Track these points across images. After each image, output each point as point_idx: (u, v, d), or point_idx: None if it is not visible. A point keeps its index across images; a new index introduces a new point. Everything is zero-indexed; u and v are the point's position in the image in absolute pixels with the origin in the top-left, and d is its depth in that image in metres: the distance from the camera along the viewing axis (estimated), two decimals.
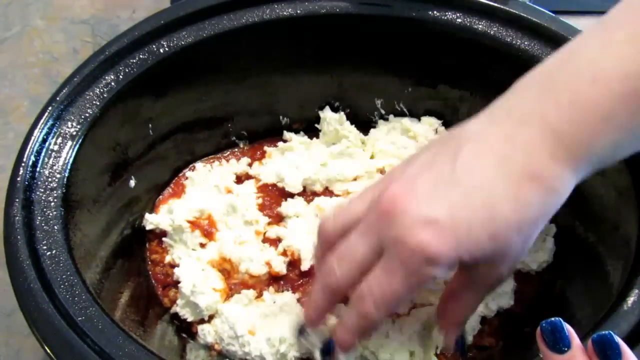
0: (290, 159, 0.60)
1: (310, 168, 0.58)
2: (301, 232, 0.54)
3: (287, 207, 0.57)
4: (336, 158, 0.60)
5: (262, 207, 0.58)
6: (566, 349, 0.33)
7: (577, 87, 0.35)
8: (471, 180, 0.36)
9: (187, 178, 0.60)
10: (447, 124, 0.62)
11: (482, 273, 0.39)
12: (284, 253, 0.54)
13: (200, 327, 0.51)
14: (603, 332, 0.33)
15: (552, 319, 0.34)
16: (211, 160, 0.62)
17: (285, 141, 0.63)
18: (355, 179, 0.59)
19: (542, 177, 0.35)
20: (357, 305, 0.38)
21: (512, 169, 0.35)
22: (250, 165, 0.62)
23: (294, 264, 0.54)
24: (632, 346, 0.39)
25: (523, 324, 0.52)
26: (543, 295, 0.53)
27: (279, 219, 0.57)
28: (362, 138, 0.62)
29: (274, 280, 0.53)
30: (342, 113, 0.62)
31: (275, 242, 0.55)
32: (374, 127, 0.63)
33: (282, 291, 0.53)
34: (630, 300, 0.41)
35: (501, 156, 0.36)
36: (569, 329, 0.33)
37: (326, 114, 0.62)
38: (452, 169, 0.36)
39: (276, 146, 0.62)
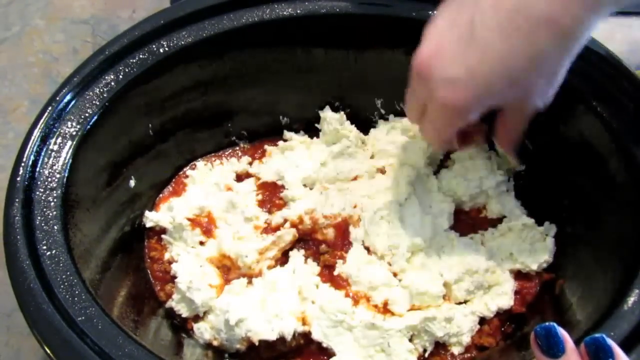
0: (291, 158, 0.60)
1: (310, 167, 0.59)
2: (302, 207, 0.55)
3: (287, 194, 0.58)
4: (336, 157, 0.60)
5: (262, 204, 0.58)
6: (560, 353, 0.33)
7: None
8: (488, 37, 0.38)
9: (187, 176, 0.60)
10: None
11: (515, 107, 0.44)
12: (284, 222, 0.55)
13: (196, 326, 0.52)
14: (596, 335, 0.33)
15: (546, 323, 0.34)
16: (212, 159, 0.63)
17: (285, 140, 0.63)
18: (355, 179, 0.59)
19: (558, 22, 0.36)
20: (425, 130, 0.48)
21: (529, 17, 0.37)
22: (250, 164, 0.62)
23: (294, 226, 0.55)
24: (632, 346, 0.39)
25: (523, 324, 0.52)
26: (543, 296, 0.53)
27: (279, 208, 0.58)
28: (362, 137, 0.62)
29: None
30: (342, 113, 0.62)
31: (277, 229, 0.55)
32: (374, 127, 0.63)
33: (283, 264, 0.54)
34: (630, 300, 0.41)
35: (518, 4, 0.37)
36: (563, 333, 0.33)
37: (326, 113, 0.62)
38: (472, 26, 0.39)
39: (276, 145, 0.63)
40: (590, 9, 0.36)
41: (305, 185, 0.58)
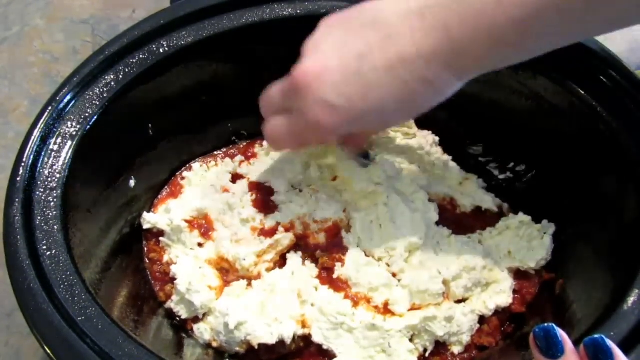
0: (276, 160, 0.59)
1: (295, 169, 0.58)
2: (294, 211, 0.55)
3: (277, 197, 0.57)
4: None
5: (256, 204, 0.57)
6: (559, 354, 0.33)
7: (483, 6, 0.38)
8: (374, 77, 0.42)
9: (184, 178, 0.60)
10: (447, 125, 0.62)
11: (372, 130, 0.55)
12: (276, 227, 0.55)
13: (196, 327, 0.52)
14: (595, 336, 0.33)
15: (545, 324, 0.34)
16: (207, 160, 0.62)
17: None
18: (334, 179, 0.58)
19: (433, 83, 0.41)
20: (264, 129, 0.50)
21: (409, 71, 0.41)
22: (240, 163, 0.61)
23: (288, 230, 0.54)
24: (632, 346, 0.39)
25: (523, 324, 0.52)
26: (543, 295, 0.53)
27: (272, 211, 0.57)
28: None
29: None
30: None
31: (272, 232, 0.55)
32: None
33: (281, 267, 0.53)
34: (630, 300, 0.41)
35: (403, 57, 0.41)
36: (562, 334, 0.33)
37: None
38: (359, 61, 0.42)
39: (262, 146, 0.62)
40: (460, 78, 0.42)
41: (293, 187, 0.58)
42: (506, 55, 0.41)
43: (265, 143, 0.62)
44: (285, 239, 0.53)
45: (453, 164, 0.60)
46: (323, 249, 0.54)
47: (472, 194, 0.58)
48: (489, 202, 0.58)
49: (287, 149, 0.56)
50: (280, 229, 0.54)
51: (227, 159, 0.62)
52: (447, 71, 0.41)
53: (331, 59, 0.43)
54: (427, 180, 0.58)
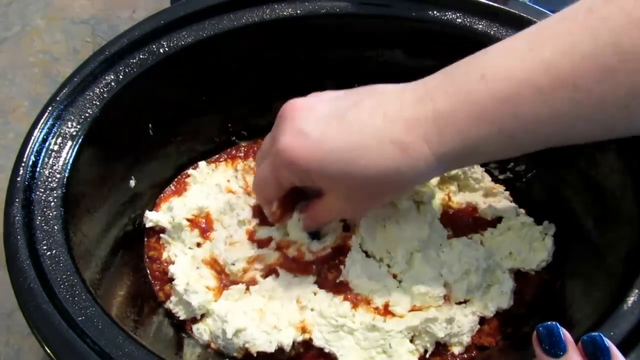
0: None
1: None
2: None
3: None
4: None
5: (256, 208, 0.57)
6: (562, 353, 0.33)
7: (468, 80, 0.38)
8: (354, 125, 0.41)
9: (189, 176, 0.60)
10: None
11: (331, 201, 0.47)
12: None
13: (195, 327, 0.52)
14: (593, 334, 0.33)
15: (548, 323, 0.34)
16: (215, 159, 0.63)
17: None
18: None
19: (408, 150, 0.40)
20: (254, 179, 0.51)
21: (390, 132, 0.40)
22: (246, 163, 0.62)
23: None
24: (631, 346, 0.39)
25: (523, 324, 0.52)
26: (543, 295, 0.53)
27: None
28: None
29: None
30: None
31: (266, 242, 0.54)
32: None
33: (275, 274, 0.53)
34: (630, 300, 0.41)
35: (388, 118, 0.41)
36: (565, 333, 0.33)
37: None
38: (346, 110, 0.42)
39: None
40: (438, 158, 0.40)
41: None
42: (486, 138, 0.38)
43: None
44: (270, 256, 0.53)
45: (485, 174, 0.60)
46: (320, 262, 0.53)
47: (496, 204, 0.58)
48: (513, 214, 0.56)
49: (268, 201, 0.51)
50: (273, 244, 0.53)
51: (236, 159, 0.62)
52: (425, 144, 0.40)
53: (323, 101, 0.44)
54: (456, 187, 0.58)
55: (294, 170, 0.43)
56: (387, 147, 0.40)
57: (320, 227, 0.53)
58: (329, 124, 0.42)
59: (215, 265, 0.54)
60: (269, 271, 0.53)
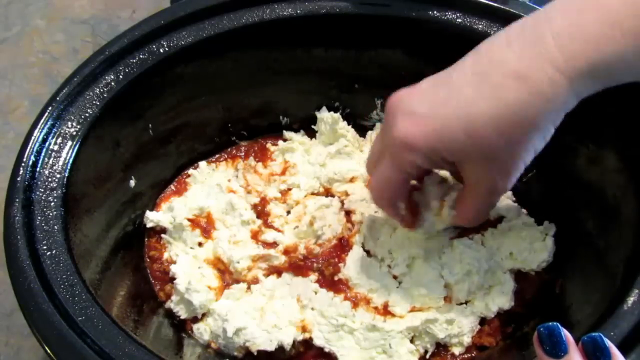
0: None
1: (311, 171, 0.59)
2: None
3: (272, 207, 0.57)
4: (334, 157, 0.60)
5: (255, 207, 0.58)
6: (562, 353, 0.33)
7: None
8: (460, 82, 0.38)
9: (190, 176, 0.60)
10: None
11: (473, 175, 0.41)
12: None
13: (195, 326, 0.52)
14: (593, 334, 0.33)
15: (550, 323, 0.34)
16: (215, 159, 0.63)
17: (285, 140, 0.63)
18: (352, 180, 0.59)
19: (528, 77, 0.35)
20: (370, 182, 0.47)
21: (500, 70, 0.36)
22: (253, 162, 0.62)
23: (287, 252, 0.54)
24: (632, 346, 0.39)
25: (523, 324, 0.52)
26: (543, 295, 0.53)
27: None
28: (359, 139, 0.63)
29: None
30: (337, 114, 0.62)
31: (272, 244, 0.55)
32: (372, 129, 0.63)
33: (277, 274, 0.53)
34: (630, 300, 0.41)
35: (494, 59, 0.37)
36: (566, 334, 0.33)
37: (323, 114, 0.62)
38: (450, 72, 0.39)
39: (276, 144, 0.62)
40: (571, 80, 0.35)
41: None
42: (620, 51, 0.34)
43: (280, 142, 0.62)
44: (276, 259, 0.53)
45: None
46: (323, 258, 0.53)
47: (498, 203, 0.57)
48: (516, 214, 0.56)
49: (391, 201, 0.46)
50: (279, 247, 0.54)
51: (236, 159, 0.62)
52: (548, 64, 0.35)
53: (424, 82, 0.42)
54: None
55: (418, 151, 0.40)
56: (502, 83, 0.36)
57: (486, 215, 0.48)
58: (435, 92, 0.40)
59: (218, 264, 0.54)
60: (272, 270, 0.53)
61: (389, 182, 0.44)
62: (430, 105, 0.39)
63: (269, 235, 0.55)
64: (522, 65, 0.35)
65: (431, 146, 0.39)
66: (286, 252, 0.54)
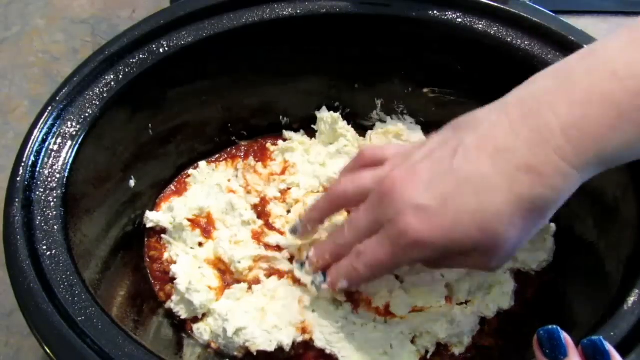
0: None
1: (310, 171, 0.59)
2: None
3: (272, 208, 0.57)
4: (333, 157, 0.60)
5: (255, 207, 0.58)
6: (562, 357, 0.33)
7: (594, 80, 0.34)
8: (467, 170, 0.37)
9: (190, 176, 0.60)
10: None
11: (471, 260, 0.39)
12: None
13: (195, 326, 0.52)
14: (593, 338, 0.33)
15: (549, 326, 0.34)
16: (215, 159, 0.63)
17: (285, 140, 0.63)
18: None
19: (541, 171, 0.35)
20: (352, 259, 0.43)
21: (511, 160, 0.35)
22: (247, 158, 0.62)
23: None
24: (632, 346, 0.39)
25: (523, 324, 0.52)
26: (543, 295, 0.53)
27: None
28: (359, 139, 0.63)
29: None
30: (337, 113, 0.62)
31: (274, 247, 0.55)
32: (372, 129, 0.64)
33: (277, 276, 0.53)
34: (630, 300, 0.41)
35: (502, 147, 0.36)
36: (565, 337, 0.33)
37: (323, 114, 0.62)
38: (451, 158, 0.37)
39: (276, 144, 0.62)
40: (580, 168, 0.35)
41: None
42: (629, 141, 0.34)
43: (280, 142, 0.62)
44: (281, 264, 0.53)
45: None
46: None
47: None
48: None
49: (318, 222, 0.48)
50: (285, 253, 0.54)
51: (236, 159, 0.62)
52: (559, 159, 0.34)
53: (421, 162, 0.39)
54: None
55: (427, 249, 0.38)
56: (514, 176, 0.35)
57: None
58: (442, 184, 0.37)
59: (219, 264, 0.54)
60: (273, 271, 0.53)
61: (380, 264, 0.41)
62: (439, 198, 0.37)
63: (272, 239, 0.55)
64: (534, 159, 0.35)
65: (442, 245, 0.38)
66: (291, 258, 0.54)
